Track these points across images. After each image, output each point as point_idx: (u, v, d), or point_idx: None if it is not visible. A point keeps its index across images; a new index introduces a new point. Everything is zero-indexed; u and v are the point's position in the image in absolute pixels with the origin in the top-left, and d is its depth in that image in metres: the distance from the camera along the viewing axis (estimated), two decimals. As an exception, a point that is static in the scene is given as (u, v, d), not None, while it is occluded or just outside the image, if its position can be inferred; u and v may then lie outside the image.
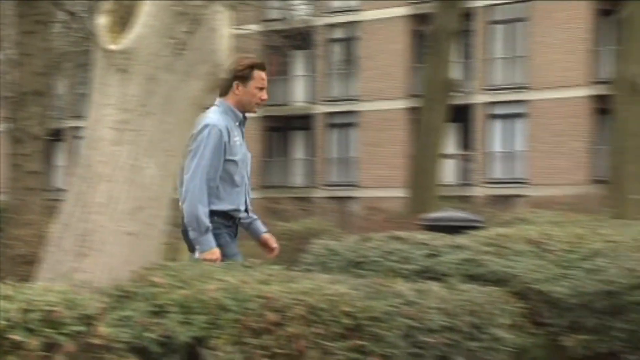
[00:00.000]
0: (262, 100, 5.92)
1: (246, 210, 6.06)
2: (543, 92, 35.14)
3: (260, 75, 5.90)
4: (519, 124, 36.34)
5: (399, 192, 27.19)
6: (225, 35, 4.91)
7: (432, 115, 22.65)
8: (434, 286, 5.20)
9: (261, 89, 5.90)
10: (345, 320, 4.41)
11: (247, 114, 6.03)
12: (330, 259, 7.65)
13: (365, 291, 4.71)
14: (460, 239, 7.20)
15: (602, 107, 30.87)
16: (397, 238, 7.69)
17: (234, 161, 5.86)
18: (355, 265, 7.39)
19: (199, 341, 4.25)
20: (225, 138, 5.79)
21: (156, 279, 4.47)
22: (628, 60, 15.30)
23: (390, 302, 4.69)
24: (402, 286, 4.94)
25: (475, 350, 4.99)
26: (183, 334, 4.23)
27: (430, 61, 23.49)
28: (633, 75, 15.14)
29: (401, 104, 37.07)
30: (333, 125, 40.84)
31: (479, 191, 35.61)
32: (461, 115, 34.30)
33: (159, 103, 4.81)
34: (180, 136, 4.96)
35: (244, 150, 5.97)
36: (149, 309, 4.32)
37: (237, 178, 5.89)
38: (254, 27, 31.64)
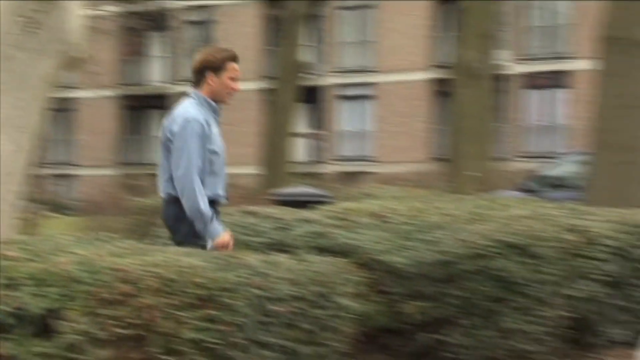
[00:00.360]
0: (234, 90, 5.81)
1: (226, 198, 5.96)
2: (389, 75, 35.63)
3: (232, 66, 5.79)
4: (366, 105, 36.78)
5: (253, 170, 27.20)
6: (79, 15, 4.80)
7: (283, 96, 22.75)
8: (283, 258, 5.21)
9: (233, 79, 5.79)
10: (197, 291, 4.39)
11: (220, 104, 5.89)
12: (184, 233, 7.60)
13: (216, 263, 4.69)
14: (309, 214, 7.26)
15: (442, 90, 31.47)
16: (249, 212, 7.70)
17: (214, 151, 5.77)
18: (208, 239, 7.38)
19: (52, 313, 4.18)
20: (206, 130, 5.71)
21: (9, 253, 4.36)
22: (465, 47, 15.60)
23: (240, 274, 4.68)
24: (252, 258, 4.94)
25: (321, 318, 5.03)
26: (36, 306, 4.15)
27: (282, 44, 23.54)
28: (470, 61, 15.45)
29: (255, 85, 37.01)
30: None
31: (329, 168, 35.94)
32: (312, 96, 34.52)
33: (14, 80, 4.68)
34: (33, 113, 4.84)
35: (220, 139, 5.88)
36: (2, 282, 4.22)
37: (217, 167, 5.79)
38: (110, 8, 31.04)
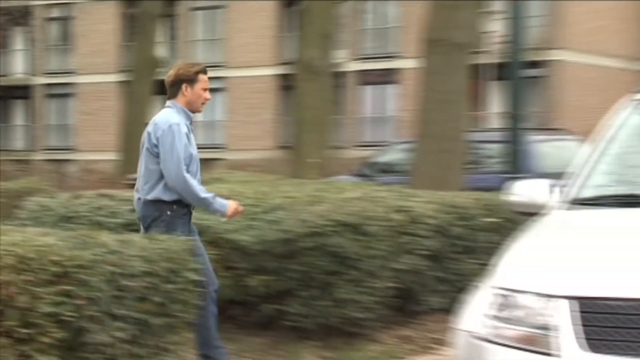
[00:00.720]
0: (206, 99, 5.93)
1: None
2: (238, 70, 35.60)
3: (204, 78, 5.91)
4: (217, 97, 36.61)
5: (112, 156, 26.71)
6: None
7: (139, 88, 22.45)
8: (136, 237, 5.15)
9: (205, 89, 5.90)
10: (53, 268, 4.29)
11: (194, 113, 5.96)
12: (44, 214, 7.41)
13: (72, 242, 4.59)
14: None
15: (287, 84, 31.60)
16: (106, 195, 7.57)
17: (191, 154, 5.78)
18: (67, 220, 7.21)
19: None
20: (188, 135, 5.76)
21: None
22: (307, 46, 15.67)
23: (95, 252, 4.60)
24: (107, 237, 4.86)
25: (171, 292, 5.00)
26: None
27: (137, 41, 23.19)
28: (311, 59, 15.51)
29: (113, 78, 36.34)
30: (52, 95, 39.66)
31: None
32: (166, 88, 34.19)
33: None
34: None
35: (195, 145, 5.90)
36: None
37: (193, 168, 5.80)
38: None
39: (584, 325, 3.34)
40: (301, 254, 6.59)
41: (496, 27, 25.47)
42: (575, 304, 3.38)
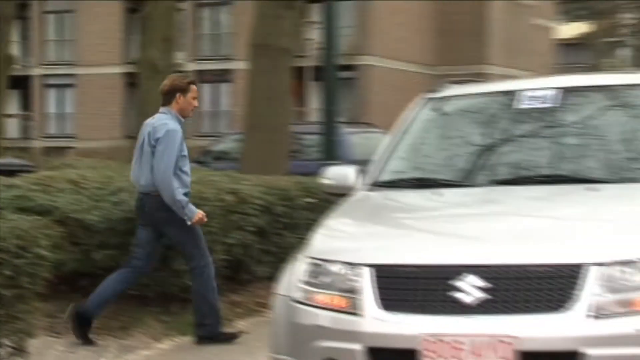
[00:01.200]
0: (195, 106, 6.01)
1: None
2: (88, 68, 34.68)
3: (194, 88, 5.99)
4: (69, 92, 35.66)
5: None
6: None
7: (-5, 83, 21.40)
8: (-12, 217, 4.91)
9: (195, 98, 5.97)
10: None
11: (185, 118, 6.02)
12: None
13: None
14: (14, 180, 6.89)
15: (132, 81, 30.93)
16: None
17: (185, 155, 5.86)
18: None
19: None
20: (182, 139, 5.84)
21: None
22: (148, 47, 15.42)
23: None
24: (-40, 217, 4.61)
25: (21, 266, 4.80)
26: None
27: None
28: (152, 59, 15.25)
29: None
30: None
31: (37, 144, 34.39)
32: (21, 84, 32.86)
33: None
34: None
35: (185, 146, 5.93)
36: None
37: (186, 167, 5.87)
38: None
39: (380, 288, 3.41)
40: (142, 231, 6.46)
41: (315, 35, 25.76)
42: (373, 271, 3.46)
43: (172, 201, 5.74)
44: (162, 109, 5.97)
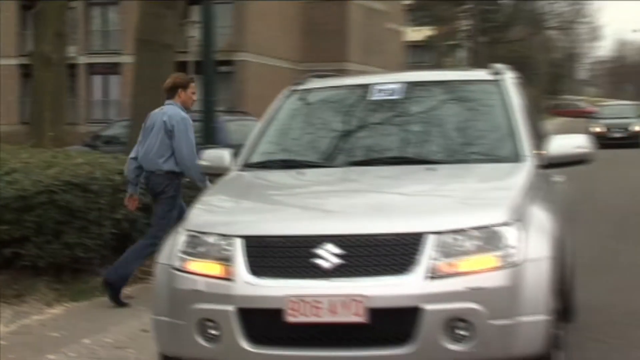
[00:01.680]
0: (194, 101, 6.16)
1: None
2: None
3: (193, 84, 6.16)
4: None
5: None
6: None
7: None
8: None
9: (194, 93, 6.15)
10: None
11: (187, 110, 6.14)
12: None
13: None
14: None
15: (27, 72, 29.60)
16: None
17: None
18: None
19: None
20: (191, 125, 5.99)
21: None
22: (42, 41, 14.87)
23: None
24: None
25: None
26: None
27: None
28: (46, 52, 14.74)
29: None
30: None
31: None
32: None
33: None
34: None
35: None
36: None
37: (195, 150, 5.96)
38: None
39: (250, 257, 3.40)
40: (35, 207, 6.22)
41: (195, 34, 25.35)
42: (244, 241, 3.44)
43: (197, 173, 5.81)
44: (168, 102, 6.12)
